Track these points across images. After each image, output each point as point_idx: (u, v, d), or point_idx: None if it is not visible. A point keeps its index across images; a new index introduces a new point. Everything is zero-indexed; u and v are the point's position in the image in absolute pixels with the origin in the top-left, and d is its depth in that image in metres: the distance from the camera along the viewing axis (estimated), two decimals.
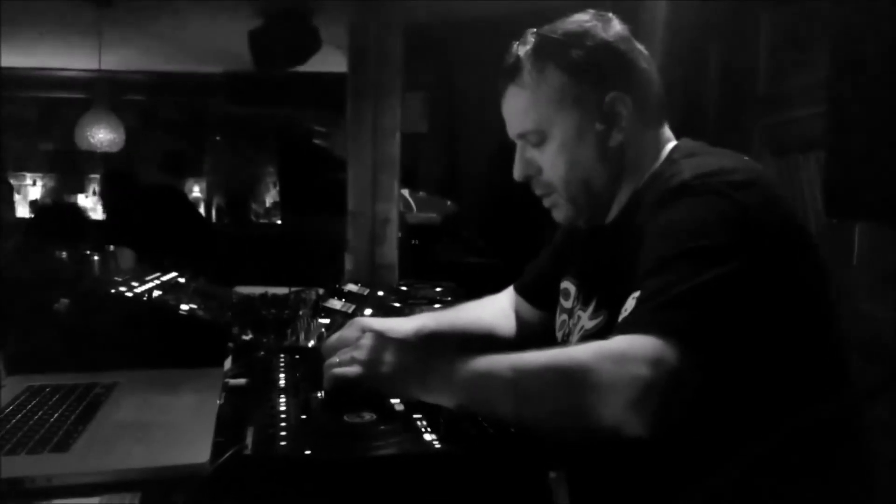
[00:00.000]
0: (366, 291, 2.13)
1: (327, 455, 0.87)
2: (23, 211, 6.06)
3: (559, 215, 1.24)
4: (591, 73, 1.14)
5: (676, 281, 0.92)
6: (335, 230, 3.08)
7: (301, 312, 1.81)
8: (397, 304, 1.97)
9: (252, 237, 5.96)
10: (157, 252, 2.32)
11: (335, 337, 1.19)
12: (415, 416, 0.98)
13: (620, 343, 0.90)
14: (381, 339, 1.08)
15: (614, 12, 1.19)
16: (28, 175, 6.91)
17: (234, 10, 4.25)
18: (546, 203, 1.24)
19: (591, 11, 1.19)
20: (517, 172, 1.22)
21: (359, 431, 0.94)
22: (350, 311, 1.85)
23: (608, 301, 1.13)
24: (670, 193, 1.03)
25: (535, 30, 1.19)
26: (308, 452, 0.86)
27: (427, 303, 2.02)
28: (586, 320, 1.19)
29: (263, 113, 6.54)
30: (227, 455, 0.86)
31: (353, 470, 0.85)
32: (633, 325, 0.92)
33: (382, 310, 1.87)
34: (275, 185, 6.88)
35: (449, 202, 3.78)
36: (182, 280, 1.93)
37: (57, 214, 4.23)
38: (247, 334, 1.62)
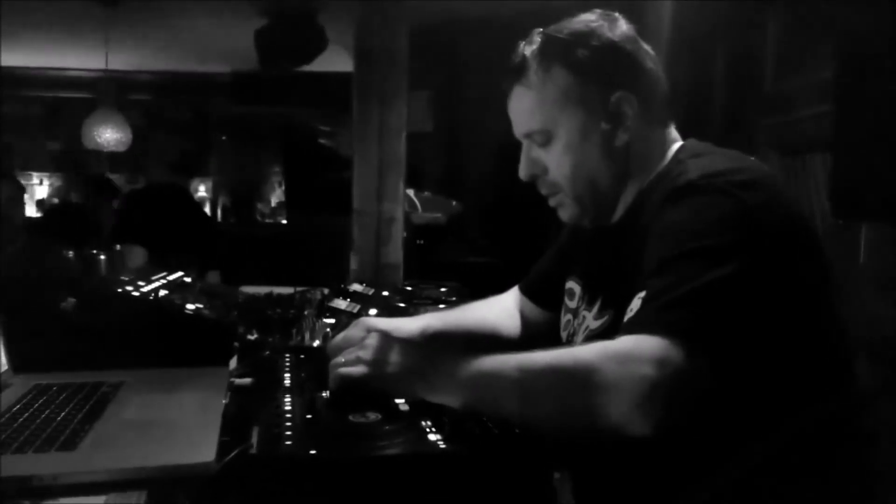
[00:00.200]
0: (371, 291, 2.13)
1: (332, 455, 0.87)
2: (30, 210, 6.09)
3: (565, 215, 1.24)
4: (597, 73, 1.14)
5: (682, 281, 0.92)
6: (340, 230, 3.09)
7: (306, 312, 1.81)
8: (402, 304, 1.97)
9: (257, 237, 5.97)
10: (162, 251, 2.33)
11: (340, 337, 1.19)
12: (420, 416, 0.98)
13: (626, 343, 0.90)
14: (387, 338, 1.08)
15: (620, 12, 1.19)
16: (35, 174, 6.94)
17: (239, 9, 4.25)
18: (551, 203, 1.24)
19: (598, 11, 1.19)
20: (523, 172, 1.22)
21: (364, 431, 0.94)
22: (355, 310, 1.85)
23: (613, 301, 1.12)
24: (676, 193, 1.03)
25: (541, 29, 1.19)
26: (313, 452, 0.86)
27: (432, 303, 2.02)
28: (591, 320, 1.18)
29: (269, 112, 6.55)
30: (232, 454, 0.86)
31: (357, 470, 0.86)
32: (638, 325, 0.92)
33: (387, 310, 1.87)
34: (280, 185, 6.89)
35: (454, 202, 3.78)
36: (188, 280, 1.94)
37: (64, 214, 4.25)
38: (252, 334, 1.62)
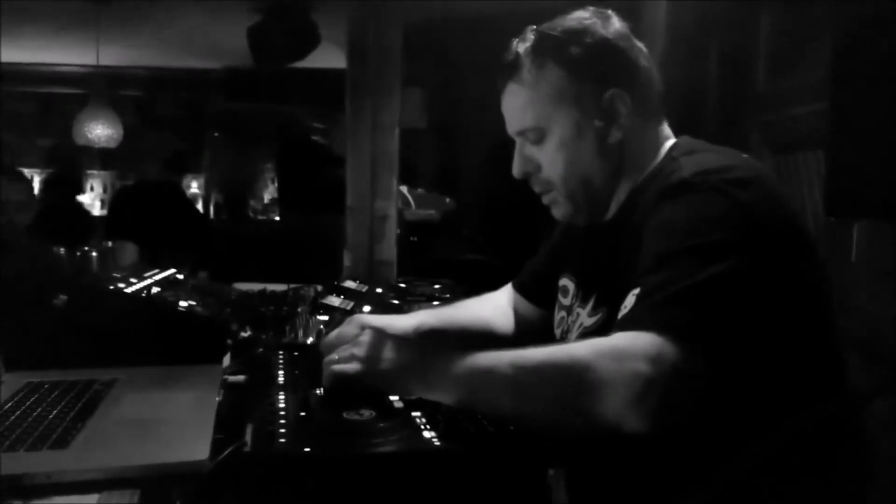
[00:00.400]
0: (364, 288, 2.13)
1: (326, 452, 0.87)
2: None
3: (558, 212, 1.24)
4: (590, 71, 1.14)
5: (676, 278, 0.92)
6: (334, 227, 3.08)
7: (300, 309, 1.81)
8: (396, 301, 1.97)
9: (250, 234, 5.94)
10: (155, 248, 2.32)
11: (334, 334, 1.19)
12: (414, 413, 0.98)
13: (620, 340, 0.90)
14: (380, 335, 1.08)
15: (615, 10, 1.19)
16: (26, 170, 6.90)
17: (232, 6, 4.24)
18: (545, 200, 1.24)
19: (591, 9, 1.19)
20: (516, 169, 1.22)
21: (358, 428, 0.94)
22: (349, 307, 1.85)
23: (607, 298, 1.13)
24: (670, 190, 1.03)
25: (534, 27, 1.19)
26: (307, 449, 0.86)
27: (426, 300, 2.02)
28: (585, 317, 1.19)
29: (262, 109, 6.52)
30: (226, 452, 0.86)
31: (352, 467, 0.85)
32: (632, 322, 0.92)
33: (381, 307, 1.87)
34: (273, 182, 6.87)
35: (448, 199, 3.77)
36: (180, 276, 1.93)
37: (56, 210, 4.23)
38: (246, 331, 1.62)
